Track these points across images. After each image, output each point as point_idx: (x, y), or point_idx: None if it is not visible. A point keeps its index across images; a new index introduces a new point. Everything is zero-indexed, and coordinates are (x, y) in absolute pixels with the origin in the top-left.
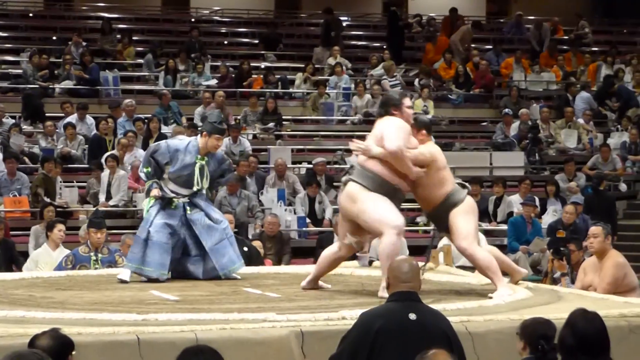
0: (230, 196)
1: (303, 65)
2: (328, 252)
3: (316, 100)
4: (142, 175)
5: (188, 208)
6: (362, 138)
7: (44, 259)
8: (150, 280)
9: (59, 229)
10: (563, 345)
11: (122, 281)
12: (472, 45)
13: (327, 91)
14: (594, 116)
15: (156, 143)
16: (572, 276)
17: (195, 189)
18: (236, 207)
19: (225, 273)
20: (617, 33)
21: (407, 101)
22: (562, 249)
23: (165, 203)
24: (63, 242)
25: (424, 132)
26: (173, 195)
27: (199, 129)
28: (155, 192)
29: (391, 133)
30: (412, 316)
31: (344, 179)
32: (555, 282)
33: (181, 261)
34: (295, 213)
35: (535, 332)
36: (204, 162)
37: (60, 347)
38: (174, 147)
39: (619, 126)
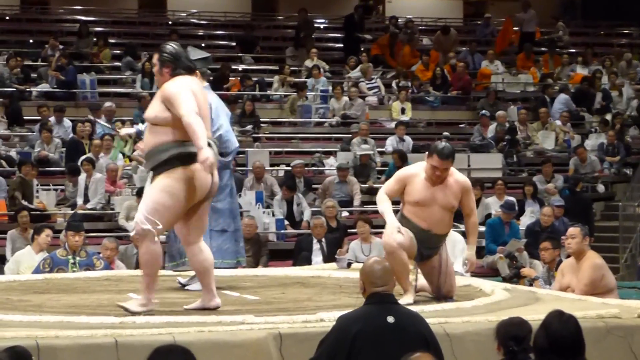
0: None
1: (279, 68)
2: None
3: (294, 102)
4: None
5: None
6: (340, 140)
7: (26, 261)
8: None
9: (47, 234)
10: (537, 347)
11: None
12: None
13: (295, 93)
14: (572, 118)
15: None
16: (549, 276)
17: None
18: None
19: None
20: (594, 35)
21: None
22: (515, 254)
23: None
24: None
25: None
26: None
27: None
28: None
29: None
30: (390, 319)
31: None
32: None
33: None
34: (273, 215)
35: (507, 334)
36: None
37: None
38: None
39: (597, 128)
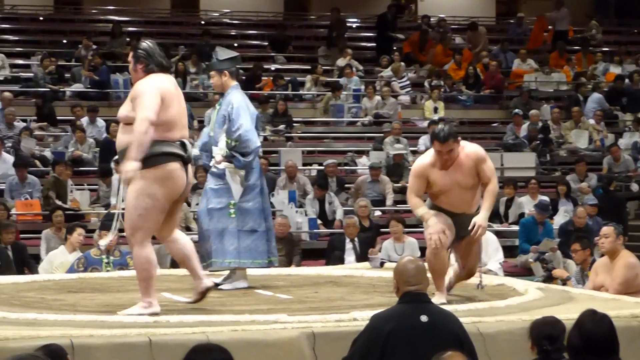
0: None
1: (311, 67)
2: None
3: (328, 102)
4: None
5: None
6: (372, 139)
7: (60, 260)
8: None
9: (79, 233)
10: (571, 346)
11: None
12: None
13: (330, 93)
14: (605, 117)
15: None
16: (583, 276)
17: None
18: None
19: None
20: (627, 33)
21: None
22: (548, 254)
23: None
24: None
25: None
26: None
27: None
28: None
29: None
30: (424, 318)
31: None
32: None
33: None
34: (306, 215)
35: (540, 333)
36: (218, 104)
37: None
38: None
39: (630, 127)
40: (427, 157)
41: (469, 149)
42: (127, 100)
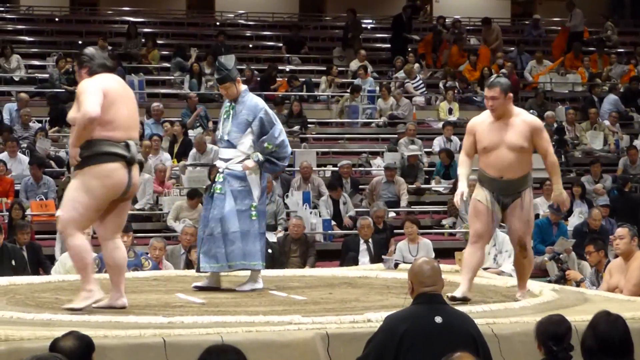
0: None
1: (326, 68)
2: None
3: (344, 103)
4: None
5: (219, 187)
6: (387, 141)
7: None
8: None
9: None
10: (585, 347)
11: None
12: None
13: (349, 94)
14: (621, 118)
15: None
16: (598, 277)
17: (218, 136)
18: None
19: (203, 268)
20: None
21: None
22: (562, 255)
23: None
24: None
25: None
26: (217, 163)
27: None
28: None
29: None
30: (438, 319)
31: None
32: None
33: None
34: (320, 216)
35: (546, 332)
36: (231, 108)
37: (82, 348)
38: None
39: None
40: (482, 115)
41: (526, 116)
42: (75, 102)
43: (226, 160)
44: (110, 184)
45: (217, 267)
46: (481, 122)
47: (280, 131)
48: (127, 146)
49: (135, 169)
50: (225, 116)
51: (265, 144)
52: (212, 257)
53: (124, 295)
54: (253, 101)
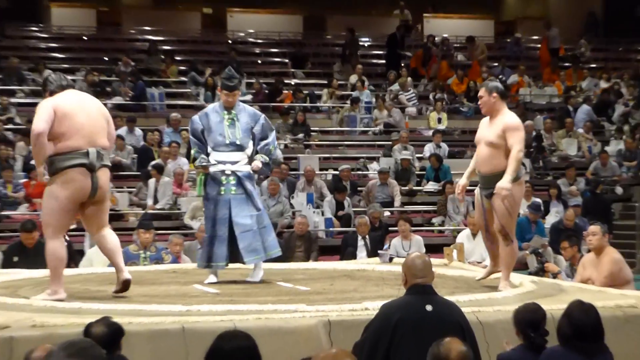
0: (270, 198)
1: (327, 82)
2: None
3: (343, 113)
4: (193, 158)
5: (233, 189)
6: (382, 147)
7: (99, 257)
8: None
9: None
10: (560, 333)
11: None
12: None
13: (349, 105)
14: (594, 126)
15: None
16: (572, 270)
17: (227, 141)
18: (272, 208)
19: (248, 261)
20: (614, 51)
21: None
22: (540, 250)
23: (212, 180)
24: None
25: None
26: (220, 166)
27: None
28: (199, 161)
29: None
30: (429, 307)
31: None
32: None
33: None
34: (322, 215)
35: (523, 320)
36: (231, 116)
37: (112, 333)
38: (203, 111)
39: (615, 135)
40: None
41: (508, 117)
42: None
43: (233, 163)
44: (73, 188)
45: (257, 258)
46: (482, 120)
47: (275, 136)
48: (87, 154)
49: (102, 172)
50: (228, 123)
51: (270, 147)
52: (253, 251)
53: (124, 270)
54: (250, 109)
